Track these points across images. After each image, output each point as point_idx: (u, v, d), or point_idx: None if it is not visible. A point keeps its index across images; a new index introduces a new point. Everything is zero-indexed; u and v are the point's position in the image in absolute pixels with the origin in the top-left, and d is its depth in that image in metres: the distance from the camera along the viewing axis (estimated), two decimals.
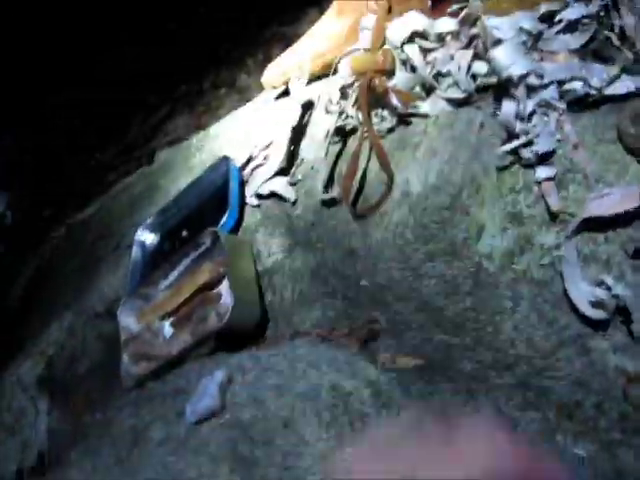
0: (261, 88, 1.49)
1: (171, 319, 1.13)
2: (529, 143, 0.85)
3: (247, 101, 1.68)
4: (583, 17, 1.00)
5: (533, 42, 0.95)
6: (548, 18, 1.01)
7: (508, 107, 0.86)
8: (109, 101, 2.38)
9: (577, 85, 0.88)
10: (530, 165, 0.87)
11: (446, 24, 0.99)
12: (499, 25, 0.96)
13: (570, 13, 1.00)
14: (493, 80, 0.91)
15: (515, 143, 0.85)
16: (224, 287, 1.06)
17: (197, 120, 2.25)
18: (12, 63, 2.15)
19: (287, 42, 1.48)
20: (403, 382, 0.88)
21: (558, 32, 0.99)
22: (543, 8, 1.00)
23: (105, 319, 1.38)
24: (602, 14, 1.03)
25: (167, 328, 1.14)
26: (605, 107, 0.91)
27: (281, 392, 0.84)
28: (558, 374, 0.86)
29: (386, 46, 1.05)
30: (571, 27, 1.00)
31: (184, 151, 1.73)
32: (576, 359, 0.85)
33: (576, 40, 0.99)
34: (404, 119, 1.04)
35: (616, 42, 1.00)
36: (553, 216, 0.86)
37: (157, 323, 1.15)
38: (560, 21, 1.00)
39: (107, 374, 1.26)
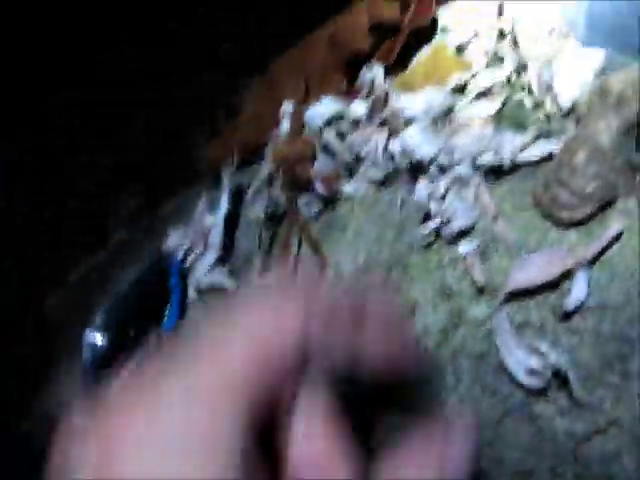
0: (214, 163, 1.49)
1: None
2: (446, 222, 0.86)
3: (197, 180, 1.68)
4: (494, 84, 1.03)
5: (443, 117, 0.96)
6: (459, 89, 1.03)
7: (421, 189, 0.87)
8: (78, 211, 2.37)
9: (489, 157, 0.89)
10: (451, 242, 0.88)
11: (359, 107, 1.01)
12: (409, 104, 0.97)
13: (480, 81, 1.03)
14: (406, 161, 0.93)
15: (432, 224, 0.86)
16: None
17: (148, 202, 2.25)
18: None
19: (236, 115, 1.49)
20: None
21: (470, 102, 1.01)
22: (453, 81, 1.02)
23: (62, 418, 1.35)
24: (513, 79, 1.06)
25: None
26: (521, 173, 0.92)
27: None
28: (509, 443, 0.86)
29: (305, 132, 1.07)
30: (483, 95, 1.02)
31: (135, 238, 1.72)
32: (524, 427, 0.85)
33: (488, 107, 1.01)
34: (330, 202, 1.05)
35: (528, 105, 1.03)
36: (481, 289, 0.87)
37: None
38: (471, 91, 1.02)
39: None
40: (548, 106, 0.99)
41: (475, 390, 0.88)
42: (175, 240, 1.32)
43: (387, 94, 0.97)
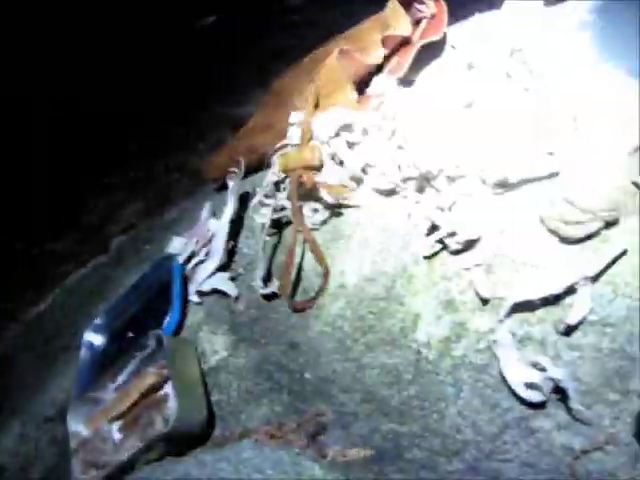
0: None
1: (119, 423, 1.11)
2: (452, 233, 0.87)
3: (199, 186, 1.69)
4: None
5: (452, 130, 0.97)
6: (468, 105, 1.04)
7: (429, 199, 0.88)
8: (57, 186, 2.37)
9: (496, 171, 0.90)
10: (456, 253, 0.89)
11: (369, 118, 1.02)
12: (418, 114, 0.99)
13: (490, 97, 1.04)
14: (415, 172, 0.93)
15: (438, 234, 0.87)
16: (170, 390, 1.05)
17: (148, 207, 2.26)
18: None
19: (236, 123, 1.50)
20: (352, 477, 0.88)
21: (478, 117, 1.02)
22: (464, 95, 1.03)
23: (57, 423, 1.35)
24: None
25: (115, 433, 1.12)
26: (526, 189, 0.93)
27: None
28: (507, 457, 0.86)
29: (313, 141, 1.08)
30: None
31: (135, 242, 1.73)
32: (522, 440, 0.86)
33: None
34: (336, 211, 1.06)
35: None
36: (484, 301, 0.88)
37: (106, 428, 1.13)
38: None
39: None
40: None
41: (475, 403, 0.89)
42: (178, 245, 1.32)
43: (398, 102, 0.98)
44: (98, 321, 1.34)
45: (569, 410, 0.82)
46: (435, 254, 0.92)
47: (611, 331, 0.82)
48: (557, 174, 0.91)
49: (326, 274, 1.01)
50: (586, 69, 1.05)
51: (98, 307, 1.51)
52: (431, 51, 1.16)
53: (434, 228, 0.90)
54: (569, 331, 0.83)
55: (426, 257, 0.92)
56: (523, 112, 1.05)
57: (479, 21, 1.17)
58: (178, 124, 2.41)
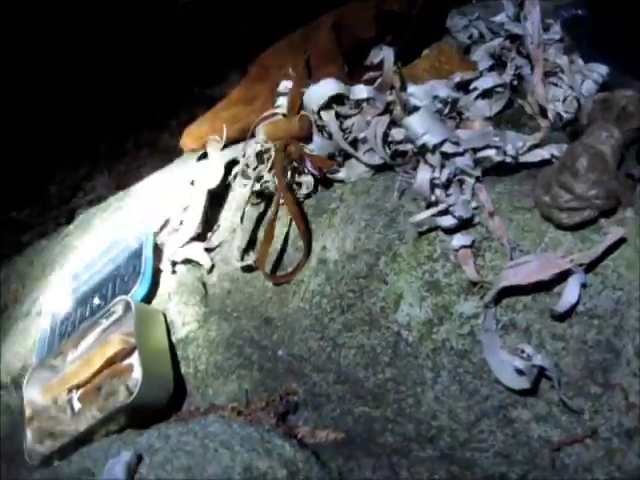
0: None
1: (79, 393, 1.07)
2: (445, 211, 0.84)
3: (170, 162, 1.65)
4: (496, 86, 1.02)
5: (449, 110, 0.95)
6: (463, 87, 1.02)
7: (423, 175, 0.85)
8: (26, 157, 2.32)
9: (492, 152, 0.87)
10: (447, 233, 0.86)
11: (362, 91, 0.99)
12: (415, 93, 0.96)
13: (483, 82, 1.02)
14: (408, 147, 0.90)
15: (430, 211, 0.84)
16: (135, 359, 1.01)
17: (118, 180, 2.21)
18: None
19: (210, 103, 1.46)
20: (321, 459, 0.84)
21: (473, 100, 1.00)
22: (457, 77, 1.01)
23: (11, 391, 1.30)
24: (515, 83, 1.05)
25: (75, 402, 1.07)
26: (520, 175, 0.91)
27: (191, 474, 0.79)
28: (482, 446, 0.84)
29: (303, 112, 1.04)
30: (485, 95, 1.02)
31: (103, 212, 1.67)
32: (499, 430, 0.84)
33: (491, 108, 1.01)
34: (321, 185, 1.03)
35: (529, 111, 1.02)
36: (471, 285, 0.85)
37: (64, 397, 1.08)
38: (474, 89, 1.01)
39: (14, 450, 1.17)
40: (549, 114, 0.99)
41: (453, 389, 0.86)
42: (150, 213, 1.27)
43: (395, 77, 0.95)
44: (61, 287, 1.29)
45: (549, 400, 0.81)
46: (423, 234, 0.89)
47: (598, 323, 0.80)
48: (550, 162, 0.89)
49: (307, 248, 0.98)
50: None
51: (60, 275, 1.46)
52: (428, 33, 1.15)
53: (429, 205, 0.87)
54: (559, 318, 0.81)
55: (414, 236, 0.89)
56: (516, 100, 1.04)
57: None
58: (151, 101, 2.37)
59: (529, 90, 1.03)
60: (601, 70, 1.02)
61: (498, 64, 1.07)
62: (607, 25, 1.12)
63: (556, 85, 1.01)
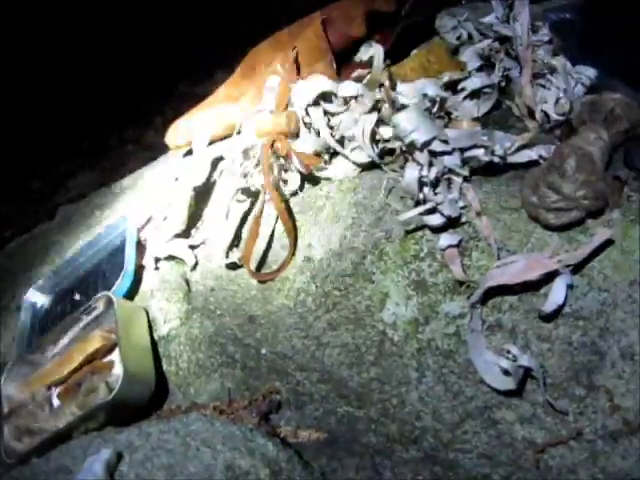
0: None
1: (58, 389, 1.05)
2: (432, 210, 0.83)
3: (154, 159, 1.63)
4: (485, 87, 1.01)
5: (437, 109, 0.94)
6: (451, 86, 1.01)
7: (411, 173, 0.84)
8: (7, 152, 2.29)
9: (480, 152, 0.87)
10: (434, 232, 0.86)
11: (350, 88, 0.98)
12: (403, 91, 0.96)
13: (472, 83, 1.02)
14: (396, 145, 0.90)
15: (417, 210, 0.84)
16: (116, 356, 0.99)
17: (101, 177, 2.19)
18: None
19: (196, 101, 1.45)
20: (304, 459, 0.83)
21: (461, 100, 1.00)
22: (446, 77, 1.00)
23: None
24: (503, 85, 1.05)
25: (54, 399, 1.05)
26: (508, 175, 0.91)
27: (172, 473, 0.78)
28: (465, 447, 0.84)
29: (290, 108, 1.03)
30: (473, 96, 1.01)
31: (85, 208, 1.65)
32: (483, 431, 0.83)
33: (479, 109, 1.00)
34: (307, 182, 1.02)
35: (517, 112, 1.02)
36: (457, 284, 0.85)
37: (43, 393, 1.06)
38: (463, 90, 1.01)
39: None
40: (537, 115, 0.99)
41: (437, 389, 0.85)
42: (133, 209, 1.26)
43: (384, 74, 0.94)
44: (42, 282, 1.27)
45: (534, 402, 0.80)
46: (410, 233, 0.88)
47: (583, 324, 0.80)
48: (538, 163, 0.89)
49: (292, 246, 0.97)
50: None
51: (40, 270, 1.44)
52: (417, 32, 1.14)
53: (417, 204, 0.86)
54: (545, 319, 0.81)
55: (401, 235, 0.88)
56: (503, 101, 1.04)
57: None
58: (135, 97, 2.35)
59: (517, 92, 1.02)
60: (589, 73, 1.02)
61: (487, 65, 1.06)
62: (597, 28, 1.12)
63: (544, 87, 1.01)
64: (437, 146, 0.85)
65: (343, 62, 1.10)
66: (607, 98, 0.94)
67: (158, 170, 1.49)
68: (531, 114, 0.99)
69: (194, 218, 1.14)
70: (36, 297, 1.26)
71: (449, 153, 0.86)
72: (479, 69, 1.05)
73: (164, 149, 1.54)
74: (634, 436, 0.77)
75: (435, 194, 0.85)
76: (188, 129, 1.29)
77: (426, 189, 0.85)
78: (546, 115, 0.99)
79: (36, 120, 2.36)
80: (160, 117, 2.30)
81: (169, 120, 1.76)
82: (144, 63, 2.40)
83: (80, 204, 1.73)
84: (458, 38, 1.16)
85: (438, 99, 0.94)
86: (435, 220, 0.84)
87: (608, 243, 0.80)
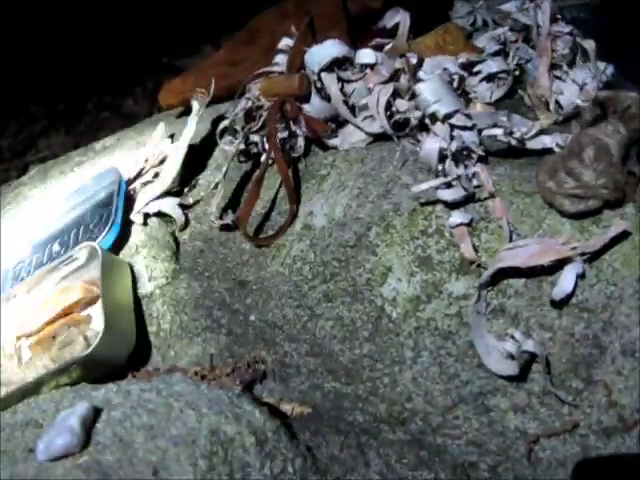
0: (148, 116, 1.42)
1: (30, 340, 0.99)
2: (448, 184, 0.81)
3: (131, 127, 1.59)
4: (500, 72, 1.00)
5: (456, 86, 0.92)
6: (467, 68, 0.99)
7: (431, 144, 0.82)
8: None
9: (499, 132, 0.85)
10: (448, 207, 0.83)
11: (368, 56, 0.95)
12: (423, 65, 0.93)
13: (488, 66, 1.00)
14: (415, 115, 0.87)
15: (436, 181, 0.81)
16: (96, 310, 0.95)
17: (75, 139, 2.14)
18: None
19: (179, 74, 1.41)
20: (291, 431, 0.80)
21: (477, 83, 0.98)
22: (463, 58, 0.98)
23: None
24: (517, 73, 1.03)
25: (24, 351, 1.00)
26: (521, 160, 0.89)
27: (153, 434, 0.74)
28: (455, 432, 0.81)
29: (302, 71, 0.99)
30: (489, 80, 0.99)
31: (61, 165, 1.59)
32: (475, 418, 0.81)
33: (492, 93, 0.98)
34: (312, 150, 0.98)
35: (528, 102, 1.00)
36: (464, 264, 0.82)
37: (12, 344, 1.01)
38: (479, 72, 0.99)
39: None
40: (551, 106, 0.97)
41: (432, 371, 0.83)
42: (122, 164, 1.20)
43: (408, 44, 0.92)
44: (15, 233, 1.21)
45: (530, 391, 0.79)
46: (427, 204, 0.85)
47: (587, 316, 0.79)
48: (552, 151, 0.87)
49: (293, 212, 0.94)
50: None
51: (12, 223, 1.38)
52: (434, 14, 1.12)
53: (430, 176, 0.83)
54: (554, 305, 0.79)
55: (410, 208, 0.85)
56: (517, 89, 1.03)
57: None
58: (117, 65, 2.29)
59: (529, 82, 1.01)
60: (608, 70, 1.01)
61: (504, 50, 1.05)
62: (611, 29, 1.12)
63: (560, 79, 0.99)
64: (459, 120, 0.82)
65: (360, 31, 1.06)
66: (623, 96, 0.92)
67: (144, 131, 1.43)
68: (545, 104, 0.98)
69: (187, 178, 1.10)
70: (8, 248, 1.20)
71: (470, 129, 0.83)
72: (495, 54, 1.03)
73: (143, 118, 1.50)
74: (628, 434, 0.75)
75: (451, 169, 0.82)
76: (185, 87, 1.25)
77: (447, 162, 0.82)
78: (560, 107, 0.97)
79: (9, 79, 2.28)
80: (140, 87, 2.27)
81: (149, 91, 1.72)
82: (129, 31, 2.34)
83: (56, 161, 1.67)
84: (472, 24, 1.15)
85: (457, 77, 0.92)
86: (451, 195, 0.81)
87: (624, 235, 0.78)
